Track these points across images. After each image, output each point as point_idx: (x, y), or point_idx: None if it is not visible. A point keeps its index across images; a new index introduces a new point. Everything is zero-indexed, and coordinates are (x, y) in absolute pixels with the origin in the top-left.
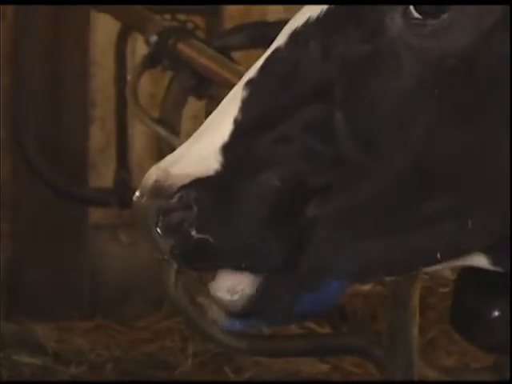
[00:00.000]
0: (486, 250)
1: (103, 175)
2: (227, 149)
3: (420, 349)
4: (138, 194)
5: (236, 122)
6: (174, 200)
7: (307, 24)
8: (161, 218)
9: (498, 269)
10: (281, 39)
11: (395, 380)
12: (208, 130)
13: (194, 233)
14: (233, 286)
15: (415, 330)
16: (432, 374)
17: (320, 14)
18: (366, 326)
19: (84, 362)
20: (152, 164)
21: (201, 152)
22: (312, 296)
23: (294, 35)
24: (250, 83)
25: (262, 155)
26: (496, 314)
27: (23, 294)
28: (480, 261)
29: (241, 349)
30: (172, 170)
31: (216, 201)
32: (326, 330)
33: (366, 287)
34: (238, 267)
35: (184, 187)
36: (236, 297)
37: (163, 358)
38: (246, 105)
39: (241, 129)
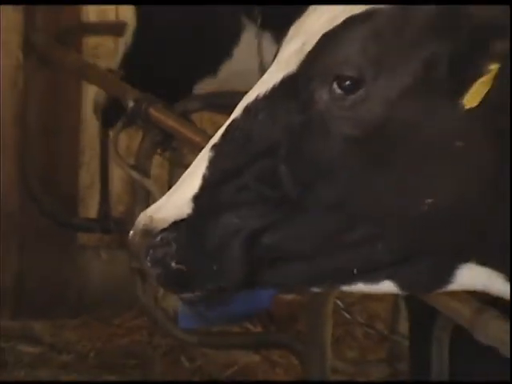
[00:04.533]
0: (393, 277)
1: (90, 207)
2: (197, 198)
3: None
4: (131, 234)
5: (204, 177)
6: (158, 239)
7: (257, 100)
8: (149, 252)
9: (406, 292)
10: (237, 112)
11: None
12: (182, 184)
13: (173, 264)
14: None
15: (329, 330)
16: (340, 365)
17: (266, 92)
18: (289, 326)
19: (72, 351)
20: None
21: (176, 201)
22: (248, 301)
23: (247, 109)
24: (214, 147)
25: (225, 202)
26: None
27: (25, 298)
28: (389, 287)
29: (193, 342)
30: (155, 216)
31: (189, 238)
32: (259, 328)
33: (289, 296)
34: (205, 289)
35: (165, 229)
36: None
37: (133, 349)
38: (212, 164)
39: (208, 183)
